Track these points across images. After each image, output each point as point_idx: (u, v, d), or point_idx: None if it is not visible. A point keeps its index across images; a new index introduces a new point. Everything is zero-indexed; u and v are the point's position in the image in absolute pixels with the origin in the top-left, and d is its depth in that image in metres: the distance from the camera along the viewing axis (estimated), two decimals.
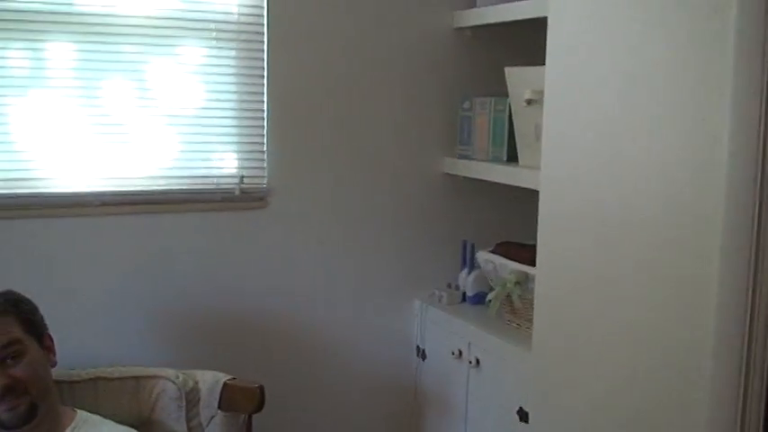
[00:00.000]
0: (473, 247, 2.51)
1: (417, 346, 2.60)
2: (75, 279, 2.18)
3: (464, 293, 2.55)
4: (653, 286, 1.64)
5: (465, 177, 2.55)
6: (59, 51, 2.11)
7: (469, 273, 2.53)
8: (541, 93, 2.08)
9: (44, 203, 2.14)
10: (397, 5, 2.45)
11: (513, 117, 2.31)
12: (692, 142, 1.51)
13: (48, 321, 1.82)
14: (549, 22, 1.91)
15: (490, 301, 2.30)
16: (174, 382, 1.97)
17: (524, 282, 2.16)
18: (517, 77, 2.27)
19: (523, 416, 2.12)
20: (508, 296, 2.26)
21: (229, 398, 1.97)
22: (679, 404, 1.58)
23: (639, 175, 1.65)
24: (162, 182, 2.26)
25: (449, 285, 2.59)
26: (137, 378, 2.00)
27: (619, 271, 1.72)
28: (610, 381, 1.76)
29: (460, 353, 2.36)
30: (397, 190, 2.53)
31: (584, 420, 1.83)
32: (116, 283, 2.22)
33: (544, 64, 1.97)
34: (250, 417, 1.97)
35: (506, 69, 2.31)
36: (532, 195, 2.42)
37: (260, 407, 1.93)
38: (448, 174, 2.58)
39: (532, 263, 2.16)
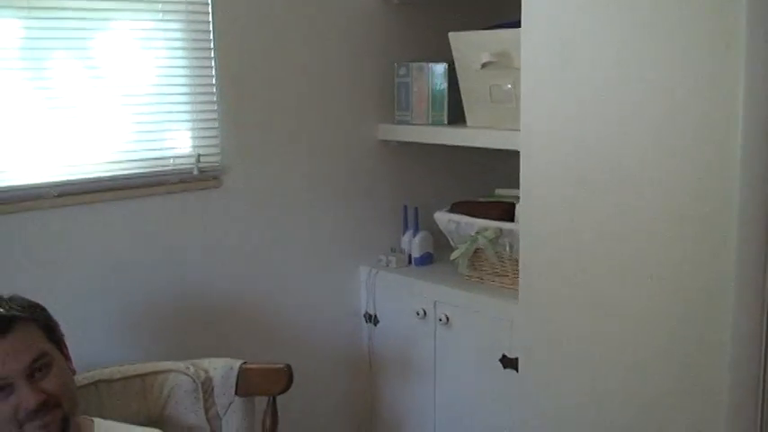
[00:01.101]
0: (416, 210, 2.58)
1: (366, 312, 2.63)
2: (36, 279, 1.98)
3: (410, 256, 2.60)
4: (645, 229, 1.81)
5: (399, 143, 2.61)
6: (5, 30, 1.90)
7: (414, 235, 2.59)
8: (501, 55, 2.19)
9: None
10: None
11: (461, 80, 2.39)
12: (687, 99, 1.68)
13: None
14: None
15: (455, 258, 2.38)
16: (187, 375, 1.89)
17: (499, 237, 2.26)
18: (465, 42, 2.35)
19: (507, 362, 2.24)
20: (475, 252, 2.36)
21: (249, 382, 1.91)
22: (673, 349, 1.77)
23: (630, 126, 1.80)
24: (119, 166, 2.12)
25: (392, 250, 2.64)
26: (141, 376, 1.90)
27: (605, 217, 1.88)
28: (600, 325, 1.93)
29: (425, 312, 2.43)
30: (336, 160, 2.54)
31: (576, 360, 1.99)
32: (81, 280, 2.06)
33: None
34: (275, 398, 1.93)
35: (450, 34, 2.39)
36: (470, 155, 2.56)
37: (288, 386, 1.90)
38: (383, 140, 2.62)
39: (501, 218, 2.29)
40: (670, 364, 1.82)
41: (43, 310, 1.66)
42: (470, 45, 2.33)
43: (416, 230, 2.59)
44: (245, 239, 2.36)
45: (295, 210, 2.46)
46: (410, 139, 2.54)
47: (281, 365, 1.90)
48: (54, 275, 2.02)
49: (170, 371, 1.89)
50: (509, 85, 2.28)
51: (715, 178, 1.68)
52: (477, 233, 2.31)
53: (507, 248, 2.26)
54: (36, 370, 1.54)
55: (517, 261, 2.25)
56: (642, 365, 1.87)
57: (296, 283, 2.49)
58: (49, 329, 1.63)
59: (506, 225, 2.25)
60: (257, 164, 2.36)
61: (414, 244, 2.59)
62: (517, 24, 2.19)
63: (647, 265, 1.83)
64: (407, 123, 2.56)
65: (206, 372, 1.91)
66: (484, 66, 2.29)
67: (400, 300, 2.51)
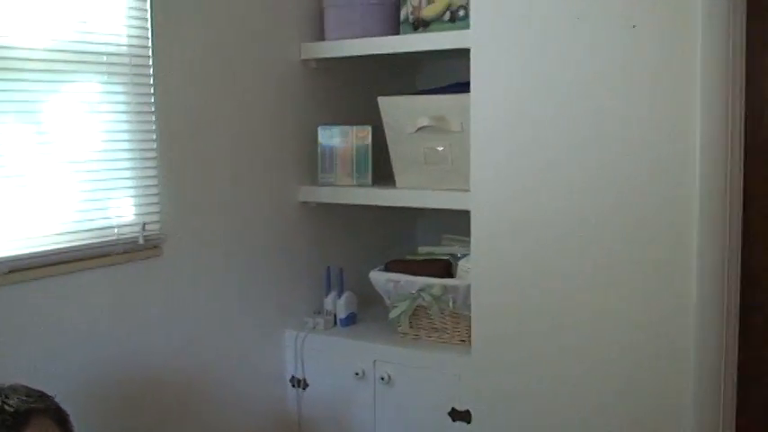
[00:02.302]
0: (341, 271, 2.61)
1: (293, 377, 2.60)
2: None
3: (335, 317, 2.62)
4: (595, 278, 2.01)
5: (319, 205, 2.64)
6: None
7: (339, 296, 2.61)
8: (438, 119, 2.32)
9: None
10: (252, 37, 2.44)
11: (391, 143, 2.48)
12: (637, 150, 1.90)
13: None
14: (472, 53, 2.16)
15: (396, 317, 2.43)
16: None
17: (444, 293, 2.34)
18: (397, 106, 2.44)
19: (457, 415, 2.32)
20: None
21: None
22: (629, 394, 1.96)
23: (575, 182, 2.00)
24: (65, 238, 1.98)
25: (317, 312, 2.64)
26: None
27: (554, 268, 2.07)
28: (555, 370, 2.10)
29: (363, 372, 2.45)
30: (260, 224, 2.50)
31: (527, 414, 2.14)
32: (29, 361, 1.89)
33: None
34: None
35: (380, 99, 2.47)
36: (387, 216, 2.65)
37: None
38: (304, 203, 2.63)
39: (440, 275, 2.38)
40: (628, 410, 1.98)
41: (52, 399, 1.53)
42: (403, 109, 2.42)
43: (341, 291, 2.61)
44: (181, 309, 2.28)
45: (223, 277, 2.40)
46: (340, 201, 2.57)
47: None
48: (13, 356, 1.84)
49: None
50: (441, 148, 2.38)
51: (669, 220, 1.88)
52: (420, 290, 2.37)
53: (451, 304, 2.34)
54: None
55: (458, 316, 2.36)
56: (600, 410, 2.03)
57: (223, 351, 2.41)
58: (63, 421, 1.52)
59: (450, 281, 2.34)
60: (192, 230, 2.28)
61: (339, 305, 2.61)
62: (452, 90, 2.34)
63: (599, 316, 2.01)
64: (332, 185, 2.59)
65: None
66: (420, 130, 2.38)
67: (334, 361, 2.51)
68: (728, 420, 1.93)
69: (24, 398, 1.48)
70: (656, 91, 1.90)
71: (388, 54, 2.47)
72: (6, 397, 1.47)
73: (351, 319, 2.62)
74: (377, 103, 2.47)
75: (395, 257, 2.57)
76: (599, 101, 1.97)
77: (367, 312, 2.68)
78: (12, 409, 1.45)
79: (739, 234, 1.91)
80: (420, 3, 2.42)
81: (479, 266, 2.22)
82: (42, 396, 1.51)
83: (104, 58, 2.04)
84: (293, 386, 2.61)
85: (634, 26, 1.93)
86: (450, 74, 2.58)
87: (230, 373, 2.43)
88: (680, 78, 1.86)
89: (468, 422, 2.28)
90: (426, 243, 2.77)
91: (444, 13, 2.37)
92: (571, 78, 2.00)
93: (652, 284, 1.94)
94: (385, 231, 2.87)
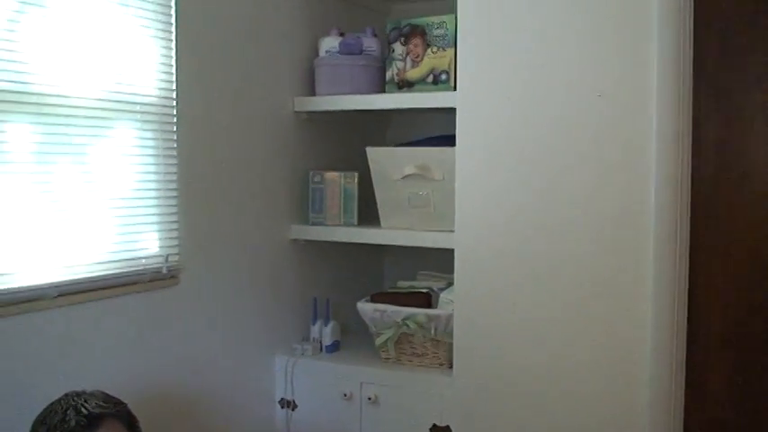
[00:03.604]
0: (328, 301, 2.89)
1: (282, 399, 2.85)
2: (38, 378, 2.01)
3: (320, 344, 2.89)
4: (566, 310, 2.35)
5: (307, 242, 2.93)
6: (17, 133, 1.97)
7: (326, 324, 2.89)
8: (422, 167, 2.65)
9: (5, 301, 1.95)
10: (253, 92, 2.72)
11: (377, 188, 2.78)
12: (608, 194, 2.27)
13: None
14: (458, 112, 2.50)
15: (383, 343, 2.72)
16: None
17: (427, 322, 2.65)
18: (384, 156, 2.76)
19: (438, 431, 2.61)
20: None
21: None
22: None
23: (551, 225, 2.35)
24: (102, 267, 2.21)
25: (305, 339, 2.91)
26: None
27: (529, 304, 2.40)
28: (524, 397, 2.42)
29: (351, 394, 2.72)
30: (255, 259, 2.76)
31: (503, 428, 2.45)
32: (66, 377, 2.06)
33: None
34: None
35: (368, 149, 2.79)
36: (372, 253, 2.96)
37: None
38: (295, 240, 2.91)
39: (422, 306, 2.70)
40: (594, 421, 2.33)
41: (125, 405, 1.75)
42: (390, 159, 2.74)
43: (327, 320, 2.88)
44: (190, 333, 2.50)
45: (224, 305, 2.63)
46: (323, 239, 2.86)
47: None
48: (50, 373, 2.05)
49: None
50: (424, 193, 2.70)
51: (628, 253, 2.24)
52: (404, 319, 2.67)
53: (433, 331, 2.64)
54: None
55: (438, 342, 2.66)
56: (570, 423, 2.35)
57: (220, 373, 2.63)
58: (132, 427, 1.74)
59: (434, 311, 2.65)
60: (202, 263, 2.53)
61: (325, 333, 2.88)
62: (432, 143, 2.67)
63: (568, 341, 2.35)
64: (322, 224, 2.88)
65: None
66: (405, 177, 2.70)
67: (322, 384, 2.77)
68: (678, 422, 2.27)
69: (100, 402, 1.70)
70: (618, 156, 2.26)
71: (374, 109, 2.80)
72: (85, 401, 1.70)
73: (335, 347, 2.89)
74: (362, 150, 2.79)
75: (369, 291, 2.87)
76: (567, 158, 2.32)
77: (348, 340, 2.96)
78: (87, 412, 1.67)
79: (687, 264, 2.28)
80: (405, 66, 2.75)
81: (461, 298, 2.53)
82: (116, 402, 1.73)
83: (138, 107, 2.28)
84: (282, 407, 2.85)
85: (599, 95, 2.29)
86: (428, 127, 2.93)
87: (225, 394, 2.66)
88: (635, 137, 2.23)
89: None
90: (394, 278, 3.08)
91: (428, 75, 2.71)
92: (544, 137, 2.35)
93: (613, 312, 2.29)
94: (359, 267, 3.17)
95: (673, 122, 2.20)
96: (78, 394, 1.71)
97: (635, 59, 2.22)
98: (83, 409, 1.67)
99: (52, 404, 1.69)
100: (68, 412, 1.64)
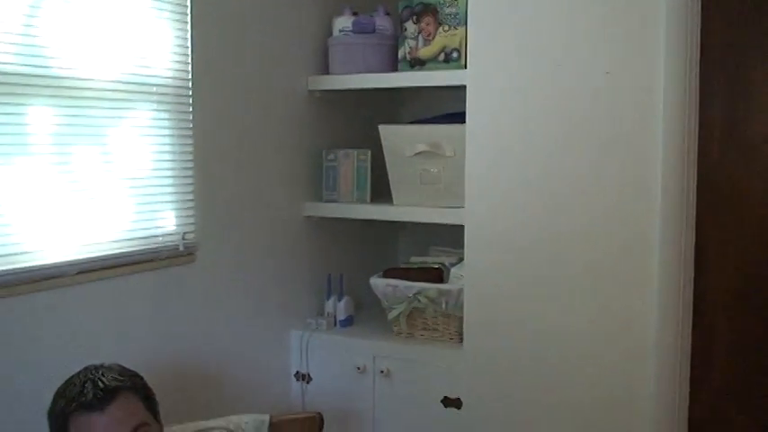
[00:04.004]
0: (341, 277, 2.95)
1: (297, 372, 2.92)
2: (59, 352, 2.08)
3: (335, 318, 2.95)
4: (573, 287, 2.39)
5: (321, 219, 2.98)
6: (37, 116, 2.03)
7: (339, 300, 2.95)
8: (433, 145, 2.69)
9: (26, 279, 2.02)
10: (268, 71, 2.77)
11: (390, 166, 2.83)
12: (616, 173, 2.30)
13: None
14: (468, 90, 2.54)
15: (395, 317, 2.78)
16: (230, 430, 2.10)
17: (438, 296, 2.71)
18: (396, 133, 2.80)
19: (449, 402, 2.67)
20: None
21: None
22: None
23: (560, 204, 2.39)
24: (121, 245, 2.27)
25: (319, 314, 2.97)
26: None
27: (534, 277, 2.45)
28: (532, 369, 2.48)
29: (365, 367, 2.79)
30: (270, 236, 2.82)
31: (512, 399, 2.51)
32: (90, 350, 2.13)
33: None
34: None
35: (381, 127, 2.83)
36: (378, 230, 3.04)
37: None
38: (309, 217, 2.97)
39: (434, 281, 2.75)
40: (599, 395, 2.38)
41: (141, 378, 1.82)
42: (402, 136, 2.78)
43: (341, 295, 2.95)
44: (207, 309, 2.57)
45: (240, 281, 2.70)
46: (343, 216, 2.91)
47: (311, 414, 2.17)
48: (74, 347, 2.12)
49: (214, 428, 2.07)
50: (435, 170, 2.75)
51: (635, 227, 2.28)
52: (416, 294, 2.73)
53: (444, 306, 2.70)
54: None
55: (449, 316, 2.72)
56: (577, 394, 2.40)
57: (237, 347, 2.71)
58: (148, 399, 1.81)
59: (445, 286, 2.70)
60: (218, 240, 2.59)
61: (339, 308, 2.94)
62: (444, 120, 2.71)
63: (576, 313, 2.40)
64: (336, 201, 2.93)
65: (241, 428, 2.12)
66: (417, 154, 2.74)
67: (336, 358, 2.84)
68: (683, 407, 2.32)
69: (116, 376, 1.77)
70: (625, 134, 2.29)
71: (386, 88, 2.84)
72: (102, 374, 1.76)
73: (349, 321, 2.96)
74: (375, 128, 2.83)
75: (382, 267, 2.93)
76: (575, 134, 2.36)
77: (361, 315, 3.02)
78: (103, 385, 1.74)
79: (692, 246, 2.32)
80: (417, 44, 2.78)
81: (471, 272, 2.58)
82: (132, 375, 1.80)
83: (154, 89, 2.34)
84: (297, 380, 2.93)
85: (607, 72, 2.32)
86: (439, 104, 2.97)
87: (242, 368, 2.73)
88: (642, 116, 2.26)
89: (459, 408, 2.63)
90: (407, 254, 3.14)
91: (439, 54, 2.74)
92: (552, 114, 2.39)
93: (621, 283, 2.34)
94: (373, 244, 3.23)
95: (680, 98, 2.23)
96: (96, 368, 1.78)
97: (643, 38, 2.25)
98: (99, 383, 1.73)
99: (72, 377, 1.76)
100: (86, 385, 1.71)
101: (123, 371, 1.80)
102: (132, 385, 1.77)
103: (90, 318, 2.18)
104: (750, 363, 2.32)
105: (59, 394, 1.72)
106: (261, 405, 2.73)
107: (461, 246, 2.62)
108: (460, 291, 2.63)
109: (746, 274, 2.30)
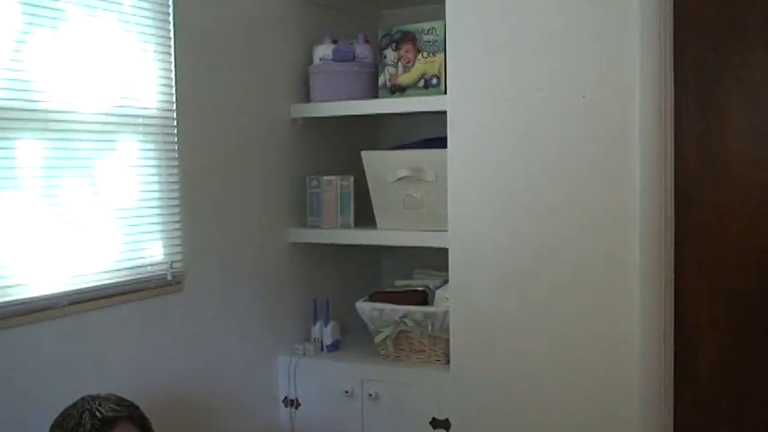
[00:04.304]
0: (327, 302, 2.98)
1: (286, 397, 2.94)
2: (52, 383, 2.10)
3: (321, 343, 2.98)
4: (562, 311, 2.44)
5: (306, 245, 3.02)
6: (26, 149, 2.05)
7: (326, 324, 2.98)
8: (415, 170, 2.74)
9: (18, 311, 2.04)
10: (251, 100, 2.80)
11: (373, 191, 2.87)
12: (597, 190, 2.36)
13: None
14: (449, 115, 2.59)
15: (382, 341, 2.81)
16: None
17: (425, 319, 2.74)
18: (379, 159, 2.85)
19: (437, 424, 2.70)
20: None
21: None
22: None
23: (543, 224, 2.44)
24: (110, 275, 2.29)
25: (306, 339, 3.00)
26: None
27: (522, 298, 2.50)
28: (519, 390, 2.52)
29: (353, 391, 2.81)
30: (256, 262, 2.85)
31: (499, 419, 2.54)
32: (81, 381, 2.16)
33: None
34: None
35: (363, 153, 2.88)
36: (369, 254, 3.06)
37: None
38: (294, 243, 3.00)
39: (419, 304, 2.79)
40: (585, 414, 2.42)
41: (138, 408, 1.84)
42: (384, 162, 2.83)
43: (327, 320, 2.97)
44: (194, 337, 2.59)
45: (227, 308, 2.72)
46: (327, 242, 2.94)
47: None
48: (63, 381, 2.13)
49: None
50: (417, 195, 2.79)
51: (612, 248, 2.33)
52: (402, 317, 2.76)
53: (430, 328, 2.73)
54: None
55: (435, 338, 2.75)
56: (563, 414, 2.44)
57: (224, 374, 2.72)
58: (145, 429, 1.83)
59: (430, 309, 2.74)
60: (205, 269, 2.61)
61: (325, 333, 2.97)
62: (424, 145, 2.76)
63: (559, 333, 2.44)
64: (319, 227, 2.97)
65: None
66: (399, 179, 2.79)
67: (324, 382, 2.86)
68: (668, 398, 2.37)
69: (114, 406, 1.79)
70: (603, 155, 2.35)
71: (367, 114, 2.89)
72: (99, 405, 1.79)
73: (335, 346, 2.98)
74: (357, 154, 2.88)
75: (366, 291, 2.97)
76: (555, 156, 2.42)
77: (347, 340, 3.05)
78: (101, 415, 1.76)
79: (672, 244, 2.37)
80: (397, 71, 2.83)
81: (457, 295, 2.62)
82: (129, 405, 1.82)
83: (140, 121, 2.37)
84: (286, 406, 2.94)
85: (584, 96, 2.38)
86: (419, 130, 3.03)
87: (230, 394, 2.74)
88: (619, 137, 2.32)
89: (448, 429, 2.66)
90: (391, 278, 3.17)
91: (419, 80, 2.79)
92: (532, 137, 2.44)
93: (604, 303, 2.38)
94: (357, 268, 3.27)
95: (655, 119, 2.29)
96: (93, 398, 1.79)
97: (618, 63, 2.31)
98: (97, 413, 1.75)
99: (68, 408, 1.78)
100: (84, 416, 1.72)
101: (120, 401, 1.82)
102: (129, 415, 1.79)
103: (81, 348, 2.19)
104: (732, 374, 2.36)
105: (57, 425, 1.74)
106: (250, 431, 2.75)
107: (444, 268, 2.66)
108: (446, 313, 2.66)
109: (725, 289, 2.35)
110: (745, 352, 2.33)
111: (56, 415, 1.88)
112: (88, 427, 1.70)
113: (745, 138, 2.29)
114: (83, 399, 1.80)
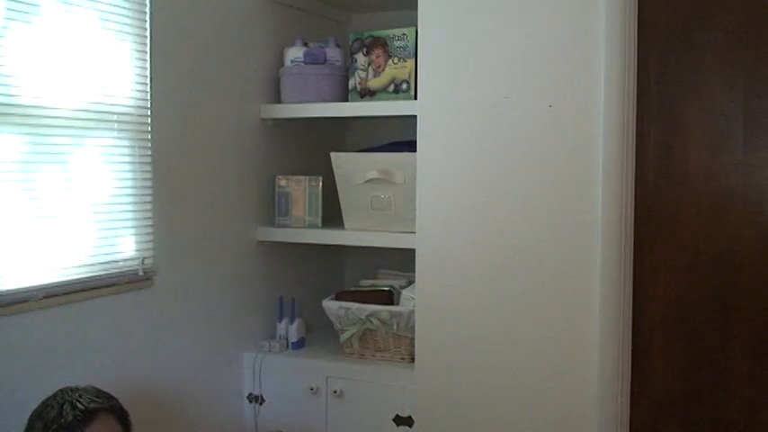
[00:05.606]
0: (293, 300, 3.03)
1: (251, 394, 2.98)
2: (27, 376, 2.12)
3: (287, 341, 3.03)
4: (524, 313, 2.53)
5: (274, 244, 3.06)
6: (2, 143, 2.07)
7: (291, 322, 3.03)
8: (384, 172, 2.80)
9: None
10: (222, 100, 2.84)
11: (341, 192, 2.93)
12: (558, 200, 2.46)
13: None
14: (419, 119, 2.66)
15: (348, 339, 2.87)
16: None
17: (390, 318, 2.81)
18: (348, 161, 2.91)
19: (400, 421, 2.77)
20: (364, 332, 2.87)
21: None
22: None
23: (505, 223, 2.53)
24: (84, 270, 2.31)
25: (271, 336, 3.04)
26: None
27: (486, 300, 2.57)
28: (479, 388, 2.60)
29: (317, 388, 2.87)
30: (224, 260, 2.88)
31: (461, 416, 2.62)
32: (60, 378, 2.16)
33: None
34: None
35: (332, 154, 2.93)
36: (335, 254, 3.12)
37: None
38: (261, 242, 3.04)
39: (385, 303, 2.85)
40: (543, 408, 2.51)
41: (117, 401, 1.88)
42: (353, 164, 2.88)
43: (293, 318, 3.02)
44: (164, 333, 2.62)
45: (195, 305, 2.75)
46: (295, 240, 2.99)
47: None
48: (37, 374, 2.15)
49: None
50: (386, 196, 2.86)
51: (575, 242, 2.43)
52: (368, 316, 2.82)
53: (395, 327, 2.80)
54: None
55: (400, 337, 2.82)
56: (523, 411, 2.53)
57: (190, 370, 2.75)
58: (124, 420, 1.86)
59: (396, 308, 2.80)
60: (174, 265, 2.64)
61: (291, 330, 3.01)
62: (392, 148, 2.83)
63: (519, 333, 2.52)
64: (288, 227, 3.01)
65: None
66: (368, 181, 2.85)
67: (289, 379, 2.91)
68: (625, 399, 2.47)
69: (94, 398, 1.82)
70: (567, 162, 2.44)
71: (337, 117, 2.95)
72: (79, 396, 1.81)
73: (301, 343, 3.03)
74: (326, 155, 2.93)
75: (331, 290, 3.03)
76: (520, 163, 2.50)
77: (312, 337, 3.10)
78: (82, 407, 1.79)
79: (631, 255, 2.47)
80: (367, 75, 2.90)
81: (422, 295, 2.69)
82: (109, 397, 1.85)
83: (115, 117, 2.39)
84: (250, 402, 2.98)
85: (550, 105, 2.47)
86: (388, 133, 3.10)
87: (196, 389, 2.78)
88: (583, 145, 2.41)
89: (411, 426, 2.73)
90: (356, 277, 3.24)
91: (389, 85, 2.86)
92: (499, 143, 2.52)
93: (566, 305, 2.47)
94: (322, 267, 3.33)
95: (618, 129, 2.38)
96: (72, 390, 1.82)
97: (583, 73, 2.40)
98: (78, 404, 1.78)
99: (48, 399, 1.80)
100: (64, 407, 1.75)
101: (99, 393, 1.84)
102: (111, 407, 1.82)
103: (56, 342, 2.21)
104: (684, 377, 2.46)
105: (37, 416, 1.76)
106: (214, 427, 2.80)
107: (409, 269, 2.73)
108: (412, 312, 2.73)
109: (679, 295, 2.45)
110: (698, 355, 2.43)
111: (31, 406, 1.91)
112: (69, 418, 1.72)
113: (703, 150, 2.39)
114: (62, 390, 1.82)
